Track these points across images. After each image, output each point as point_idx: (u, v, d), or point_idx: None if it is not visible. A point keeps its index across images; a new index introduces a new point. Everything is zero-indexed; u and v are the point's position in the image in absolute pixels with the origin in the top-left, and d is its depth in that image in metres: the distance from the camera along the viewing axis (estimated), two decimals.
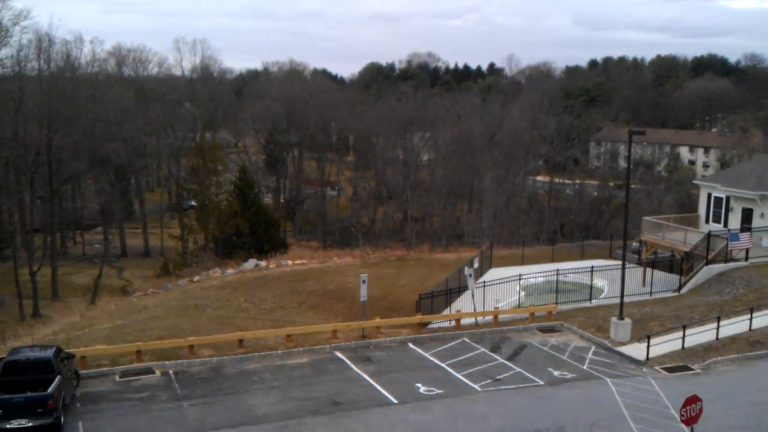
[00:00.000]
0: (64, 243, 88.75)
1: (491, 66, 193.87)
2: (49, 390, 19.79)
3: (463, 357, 26.84)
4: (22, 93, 70.13)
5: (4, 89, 67.22)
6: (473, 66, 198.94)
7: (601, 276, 37.83)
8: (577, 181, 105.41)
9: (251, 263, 54.10)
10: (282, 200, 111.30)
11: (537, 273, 40.31)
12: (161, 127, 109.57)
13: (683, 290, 36.57)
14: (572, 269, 38.89)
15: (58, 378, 20.41)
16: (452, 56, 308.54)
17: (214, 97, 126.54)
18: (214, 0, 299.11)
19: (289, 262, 53.70)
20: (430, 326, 32.52)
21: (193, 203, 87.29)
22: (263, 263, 53.95)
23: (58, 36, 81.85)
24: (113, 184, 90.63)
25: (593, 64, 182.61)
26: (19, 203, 78.85)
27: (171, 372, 25.13)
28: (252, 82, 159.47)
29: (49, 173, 72.07)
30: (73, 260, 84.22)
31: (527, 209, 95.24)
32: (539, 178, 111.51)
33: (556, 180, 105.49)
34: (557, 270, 36.70)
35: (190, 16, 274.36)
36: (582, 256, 49.12)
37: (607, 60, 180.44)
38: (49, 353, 21.41)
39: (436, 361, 26.36)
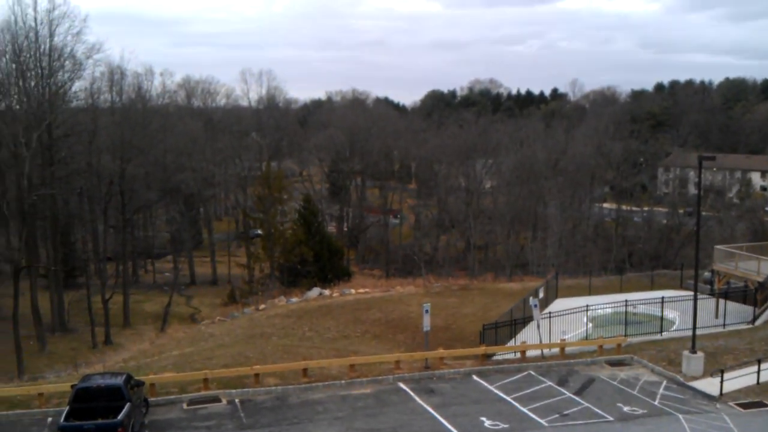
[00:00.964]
0: (135, 271, 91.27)
1: (554, 91, 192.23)
2: (119, 417, 20.24)
3: (529, 390, 26.34)
4: (95, 125, 73.03)
5: (78, 121, 69.99)
6: (536, 91, 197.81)
7: (671, 307, 36.67)
8: (646, 209, 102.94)
9: (315, 292, 54.52)
10: (345, 228, 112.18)
11: (605, 304, 39.37)
12: (229, 157, 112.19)
13: (758, 322, 35.17)
14: (642, 300, 37.86)
15: (128, 405, 20.86)
16: (514, 82, 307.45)
17: (280, 127, 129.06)
18: (281, 32, 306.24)
19: (352, 291, 53.90)
20: (495, 358, 32.08)
21: (259, 232, 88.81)
22: (327, 292, 54.30)
23: (130, 69, 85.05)
24: (183, 214, 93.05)
25: (659, 87, 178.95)
26: (93, 232, 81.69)
27: (237, 400, 25.43)
28: (316, 111, 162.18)
29: (122, 203, 74.47)
30: (144, 288, 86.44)
31: (594, 237, 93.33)
32: (606, 205, 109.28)
33: (624, 207, 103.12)
34: (626, 301, 35.78)
35: (256, 47, 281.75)
36: (651, 287, 47.79)
37: (674, 83, 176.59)
38: (119, 380, 21.92)
39: (501, 394, 25.95)
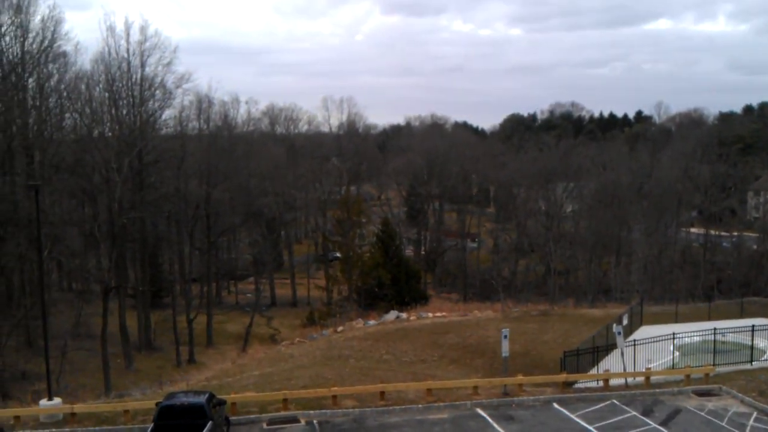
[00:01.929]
0: (218, 292, 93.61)
1: (638, 114, 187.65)
2: None
3: (612, 420, 25.56)
4: (183, 151, 75.79)
5: (167, 147, 72.73)
6: (619, 114, 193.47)
7: (762, 336, 35.03)
8: (735, 234, 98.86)
9: (392, 315, 54.63)
10: (423, 252, 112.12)
11: (692, 332, 37.88)
12: (310, 181, 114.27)
13: None
14: (731, 328, 36.30)
15: (210, 423, 21.31)
16: (596, 105, 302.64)
17: (359, 152, 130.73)
18: (362, 60, 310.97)
19: (430, 315, 53.73)
20: (576, 386, 31.28)
21: (338, 255, 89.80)
22: (404, 315, 54.32)
23: (217, 97, 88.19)
24: (265, 236, 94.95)
25: (748, 109, 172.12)
26: (179, 254, 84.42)
27: (315, 421, 25.63)
28: (395, 136, 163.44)
29: (207, 226, 76.76)
30: (227, 309, 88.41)
31: (680, 263, 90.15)
32: (693, 230, 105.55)
33: (712, 232, 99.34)
34: (714, 329, 34.37)
35: (338, 75, 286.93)
36: (741, 314, 45.79)
37: (764, 105, 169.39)
38: (202, 399, 22.45)
39: (583, 424, 25.27)
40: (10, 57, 59.10)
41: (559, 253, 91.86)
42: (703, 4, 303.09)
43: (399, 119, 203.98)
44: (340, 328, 51.86)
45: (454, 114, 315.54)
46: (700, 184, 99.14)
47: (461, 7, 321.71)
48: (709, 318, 43.68)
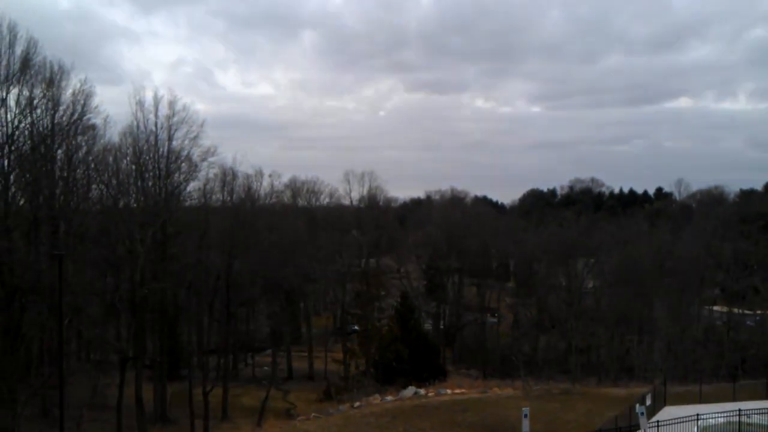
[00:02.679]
0: (236, 364, 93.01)
1: (659, 190, 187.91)
2: None
3: None
4: (206, 223, 76.78)
5: (190, 219, 73.78)
6: (639, 191, 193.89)
7: None
8: (759, 312, 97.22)
9: (410, 391, 53.93)
10: (442, 326, 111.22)
11: (716, 413, 36.97)
12: (329, 254, 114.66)
13: None
14: (756, 409, 35.43)
15: None
16: (616, 181, 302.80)
17: (379, 225, 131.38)
18: (385, 135, 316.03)
19: (448, 391, 52.99)
20: None
21: (356, 327, 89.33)
22: (422, 391, 53.61)
23: (241, 170, 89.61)
24: (284, 309, 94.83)
25: None
26: (198, 325, 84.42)
27: None
28: (415, 209, 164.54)
29: (227, 297, 76.99)
30: (243, 381, 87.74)
31: (704, 342, 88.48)
32: (716, 308, 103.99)
33: (735, 310, 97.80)
34: (739, 410, 33.60)
35: (360, 150, 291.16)
36: (767, 395, 44.72)
37: None
38: None
39: None
40: (41, 129, 60.66)
41: (580, 330, 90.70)
42: (724, 82, 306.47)
43: (419, 193, 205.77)
44: (357, 404, 51.22)
45: (474, 188, 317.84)
46: (722, 261, 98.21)
47: (483, 85, 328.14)
48: (734, 398, 42.66)
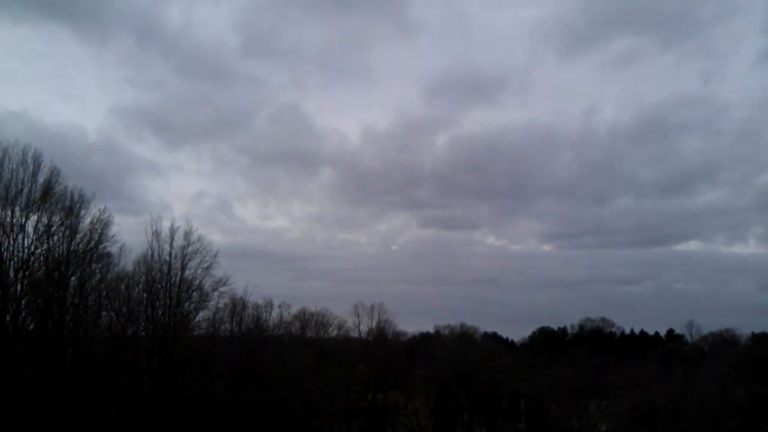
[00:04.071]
0: None
1: (670, 332, 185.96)
2: None
3: None
4: (214, 353, 76.32)
5: (198, 348, 73.39)
6: (650, 332, 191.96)
7: None
8: None
9: None
10: None
11: None
12: (336, 386, 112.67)
13: None
14: None
15: None
16: (627, 321, 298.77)
17: (388, 359, 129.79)
18: (395, 269, 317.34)
19: None
20: None
21: None
22: None
23: (251, 300, 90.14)
24: None
25: None
26: None
27: None
28: (424, 344, 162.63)
29: (231, 428, 75.22)
30: None
31: None
32: None
33: None
34: None
35: (370, 282, 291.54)
36: None
37: None
38: None
39: None
40: (56, 255, 61.46)
41: None
42: (734, 226, 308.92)
43: (429, 327, 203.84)
44: None
45: (484, 324, 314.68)
46: (736, 405, 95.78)
47: (495, 223, 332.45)
48: None
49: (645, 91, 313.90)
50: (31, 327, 59.94)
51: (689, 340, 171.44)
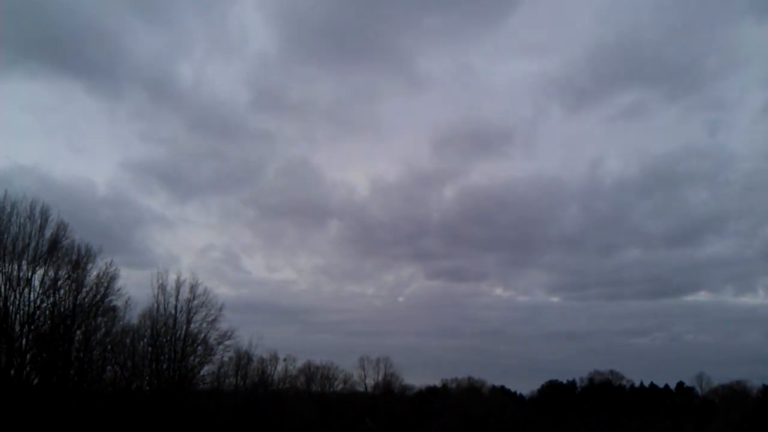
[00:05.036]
0: None
1: (680, 384, 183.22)
2: None
3: None
4: (218, 407, 75.59)
5: (202, 404, 72.74)
6: (660, 384, 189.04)
7: None
8: None
9: None
10: None
11: None
12: None
13: None
14: None
15: None
16: (636, 373, 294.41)
17: (394, 414, 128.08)
18: (401, 321, 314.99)
19: None
20: None
21: None
22: None
23: (257, 354, 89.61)
24: None
25: None
26: None
27: None
28: (431, 398, 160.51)
29: None
30: None
31: None
32: None
33: None
34: None
35: (376, 335, 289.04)
36: None
37: None
38: None
39: None
40: (62, 309, 61.29)
41: None
42: (743, 276, 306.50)
43: (435, 381, 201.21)
44: None
45: (492, 377, 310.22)
46: None
47: (502, 274, 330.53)
48: None
49: (651, 142, 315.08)
50: (36, 381, 59.68)
51: (699, 392, 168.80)
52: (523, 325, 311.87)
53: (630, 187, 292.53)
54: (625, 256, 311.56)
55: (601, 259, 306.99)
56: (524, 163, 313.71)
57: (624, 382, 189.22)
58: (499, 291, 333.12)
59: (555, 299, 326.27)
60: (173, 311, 67.35)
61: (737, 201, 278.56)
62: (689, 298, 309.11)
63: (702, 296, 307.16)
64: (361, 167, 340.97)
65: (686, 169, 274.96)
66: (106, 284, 62.93)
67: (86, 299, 62.32)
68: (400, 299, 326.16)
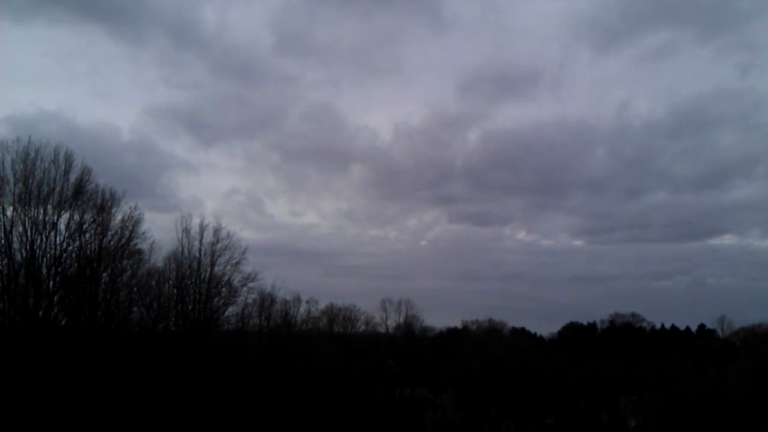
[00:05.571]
0: None
1: (701, 327, 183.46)
2: None
3: None
4: (242, 347, 76.93)
5: (227, 344, 74.01)
6: (681, 326, 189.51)
7: None
8: None
9: None
10: None
11: None
12: (364, 383, 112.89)
13: None
14: None
15: None
16: (657, 316, 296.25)
17: (415, 355, 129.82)
18: (424, 265, 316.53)
19: None
20: None
21: None
22: None
23: (280, 296, 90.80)
24: None
25: None
26: None
27: None
28: (451, 339, 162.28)
29: (259, 422, 75.84)
30: None
31: None
32: None
33: None
34: None
35: (399, 278, 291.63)
36: None
37: None
38: None
39: None
40: (88, 252, 62.36)
41: None
42: None
43: (456, 322, 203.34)
44: None
45: (512, 320, 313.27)
46: None
47: (526, 218, 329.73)
48: None
49: (681, 85, 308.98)
50: (63, 322, 60.94)
51: (720, 335, 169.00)
52: (545, 269, 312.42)
53: (658, 129, 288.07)
54: (652, 200, 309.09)
55: (626, 202, 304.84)
56: (551, 106, 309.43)
57: (645, 324, 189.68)
58: (522, 235, 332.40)
59: (578, 243, 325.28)
60: (197, 254, 68.12)
61: (767, 144, 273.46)
62: (714, 241, 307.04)
63: (727, 239, 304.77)
64: (384, 111, 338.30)
65: (716, 111, 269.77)
66: (130, 228, 63.66)
67: (111, 242, 63.16)
68: (423, 243, 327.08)
